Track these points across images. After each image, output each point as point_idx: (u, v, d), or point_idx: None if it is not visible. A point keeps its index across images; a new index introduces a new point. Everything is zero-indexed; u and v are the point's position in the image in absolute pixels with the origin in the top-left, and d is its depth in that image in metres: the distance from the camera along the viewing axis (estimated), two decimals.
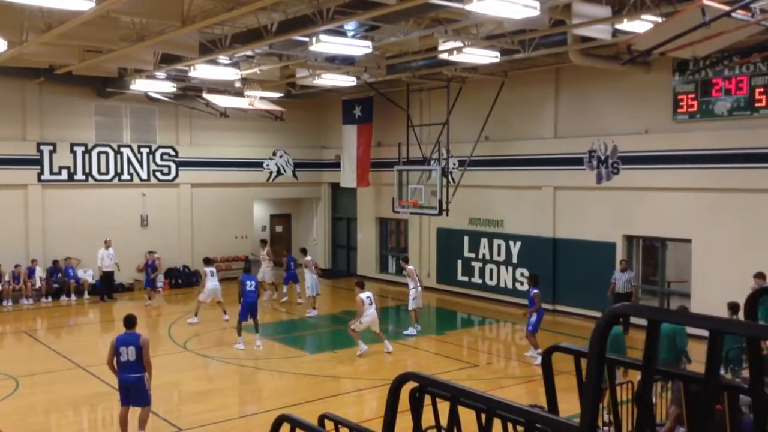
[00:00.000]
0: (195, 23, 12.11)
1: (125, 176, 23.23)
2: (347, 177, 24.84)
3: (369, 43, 13.95)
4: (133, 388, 9.65)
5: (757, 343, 3.15)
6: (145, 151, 23.59)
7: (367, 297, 14.85)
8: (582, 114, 18.75)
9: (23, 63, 16.89)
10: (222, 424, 10.93)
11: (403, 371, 4.79)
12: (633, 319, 14.93)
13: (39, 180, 21.72)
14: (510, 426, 5.00)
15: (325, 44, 13.08)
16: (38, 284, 21.18)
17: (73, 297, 21.51)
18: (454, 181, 20.58)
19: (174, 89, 20.47)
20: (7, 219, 21.15)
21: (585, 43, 14.82)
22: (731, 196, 15.72)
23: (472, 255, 21.65)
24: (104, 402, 11.96)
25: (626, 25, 12.39)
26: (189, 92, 21.89)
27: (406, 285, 17.95)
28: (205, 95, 21.48)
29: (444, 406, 4.64)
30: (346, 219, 27.10)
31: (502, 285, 20.88)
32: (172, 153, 24.15)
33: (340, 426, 6.00)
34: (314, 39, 12.75)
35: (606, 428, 8.57)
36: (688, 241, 16.63)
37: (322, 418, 6.40)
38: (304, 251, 20.54)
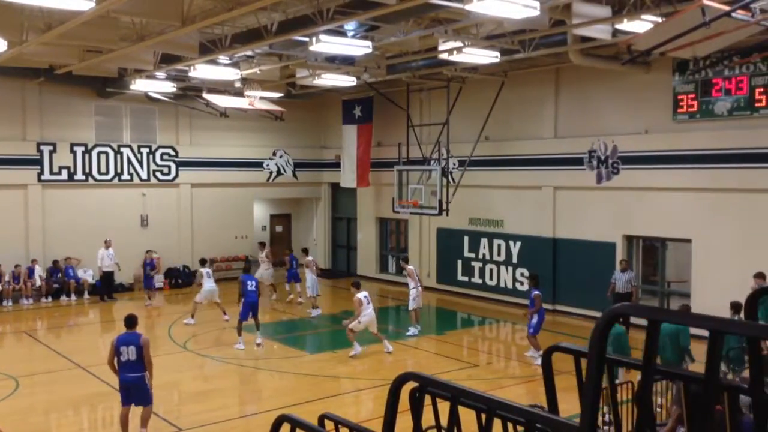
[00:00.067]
0: (195, 23, 12.11)
1: (125, 176, 23.24)
2: (347, 177, 24.84)
3: (369, 43, 13.96)
4: (134, 388, 9.67)
5: (757, 343, 3.15)
6: (145, 151, 23.60)
7: (365, 296, 14.86)
8: (582, 114, 18.75)
9: (23, 63, 16.89)
10: (222, 424, 10.93)
11: (403, 371, 4.79)
12: (633, 319, 14.92)
13: (39, 180, 21.73)
14: (510, 426, 5.00)
15: (325, 44, 13.08)
16: (38, 284, 21.19)
17: (73, 297, 21.51)
18: (454, 181, 20.58)
19: (174, 89, 20.48)
20: (7, 219, 21.15)
21: (585, 43, 14.82)
22: (731, 196, 15.72)
23: (472, 255, 21.65)
24: (104, 402, 11.96)
25: (626, 25, 12.39)
26: (189, 92, 21.89)
27: (406, 285, 17.95)
28: (205, 95, 21.48)
29: (444, 406, 4.64)
30: (346, 219, 27.11)
31: (502, 285, 20.88)
32: (172, 153, 24.15)
33: (340, 426, 6.00)
34: (314, 39, 12.75)
35: (606, 428, 8.57)
36: (688, 241, 16.63)
37: (322, 418, 6.40)
38: (305, 251, 20.55)
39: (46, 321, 19.49)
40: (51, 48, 14.71)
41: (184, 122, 24.35)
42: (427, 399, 4.68)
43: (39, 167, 21.72)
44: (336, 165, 25.74)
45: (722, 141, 15.74)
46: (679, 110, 16.52)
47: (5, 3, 11.58)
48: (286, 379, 13.67)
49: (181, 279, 23.84)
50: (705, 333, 2.88)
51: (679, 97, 16.51)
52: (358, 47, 14.02)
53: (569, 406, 4.93)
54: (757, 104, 15.19)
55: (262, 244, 22.13)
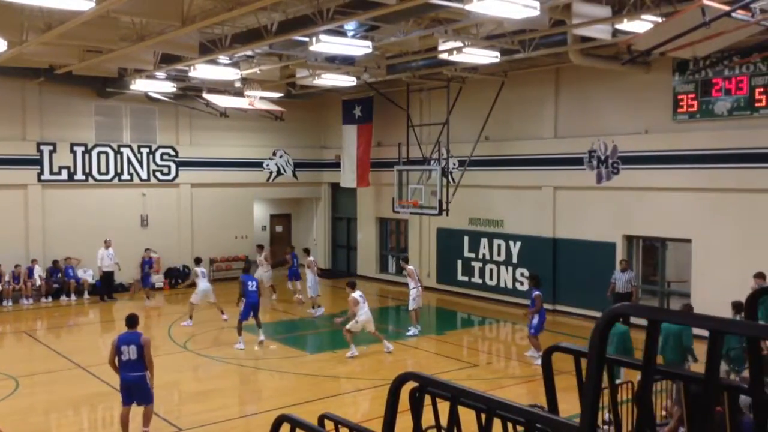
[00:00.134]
0: (195, 23, 12.11)
1: (125, 176, 23.24)
2: (347, 177, 24.84)
3: (369, 43, 13.96)
4: (135, 387, 9.70)
5: (757, 343, 3.15)
6: (145, 151, 23.60)
7: (360, 296, 14.90)
8: (582, 114, 18.75)
9: (23, 63, 16.89)
10: (222, 424, 10.93)
11: (403, 371, 4.79)
12: (633, 319, 14.92)
13: (39, 180, 21.73)
14: (510, 426, 5.00)
15: (325, 44, 13.08)
16: (38, 284, 21.19)
17: (73, 297, 21.51)
18: (454, 181, 20.58)
19: (174, 89, 20.47)
20: (7, 219, 21.15)
21: (585, 43, 14.82)
22: (731, 196, 15.72)
23: (472, 255, 21.65)
24: (104, 402, 11.96)
25: (626, 25, 12.39)
26: (189, 92, 21.89)
27: (406, 285, 17.95)
28: (205, 95, 21.48)
29: (444, 406, 4.64)
30: (346, 219, 27.11)
31: (502, 285, 20.88)
32: (172, 153, 24.15)
33: (340, 426, 6.00)
34: (314, 39, 12.76)
35: (606, 427, 8.57)
36: (688, 241, 16.63)
37: (322, 418, 6.40)
38: (307, 251, 20.54)
39: (46, 321, 19.49)
40: (51, 48, 14.71)
41: (184, 122, 24.35)
42: (427, 399, 4.68)
43: (39, 167, 21.72)
44: (336, 165, 25.74)
45: (722, 141, 15.74)
46: (679, 110, 16.52)
47: (5, 3, 11.58)
48: (286, 379, 13.67)
49: (181, 279, 23.84)
50: (707, 333, 2.88)
51: (679, 97, 16.51)
52: (358, 47, 14.02)
53: (569, 406, 4.93)
54: (757, 104, 15.19)
55: (260, 247, 22.11)
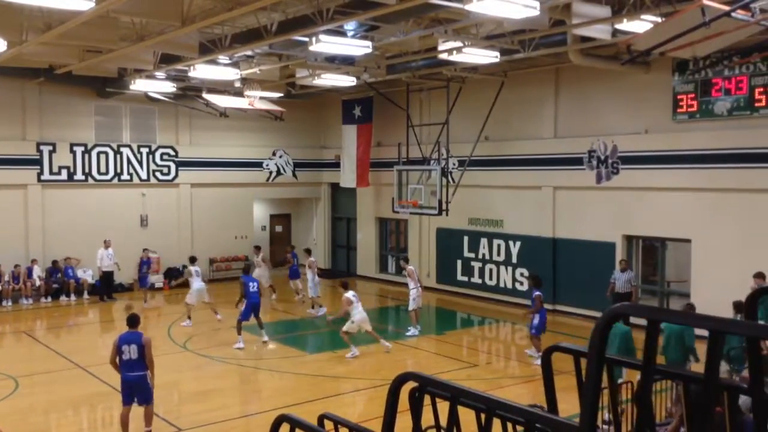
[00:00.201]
0: (195, 23, 12.11)
1: (125, 176, 23.24)
2: (347, 177, 24.84)
3: (369, 43, 13.96)
4: (136, 387, 9.73)
5: (756, 343, 3.15)
6: (144, 151, 23.60)
7: (353, 295, 14.92)
8: (582, 114, 18.75)
9: (23, 63, 16.89)
10: (222, 424, 10.93)
11: (402, 371, 4.79)
12: (633, 319, 14.92)
13: (39, 180, 21.73)
14: (510, 426, 4.99)
15: (325, 44, 13.08)
16: (37, 284, 21.19)
17: (73, 297, 21.51)
18: (453, 181, 20.59)
19: (174, 89, 20.48)
20: (7, 219, 21.15)
21: (585, 43, 14.82)
22: (731, 196, 15.72)
23: (472, 255, 21.65)
24: (104, 402, 11.96)
25: (626, 25, 12.39)
26: (189, 92, 21.89)
27: (405, 285, 17.95)
28: (205, 95, 21.48)
29: (443, 406, 4.64)
30: (346, 219, 27.11)
31: (501, 285, 20.88)
32: (172, 153, 24.15)
33: (339, 426, 5.99)
34: (314, 39, 12.76)
35: (606, 427, 8.57)
36: (688, 241, 16.63)
37: (321, 418, 6.39)
38: (308, 252, 20.52)
39: (46, 321, 19.49)
40: (51, 48, 14.71)
41: (183, 122, 24.35)
42: (427, 399, 4.68)
43: (39, 167, 21.72)
44: (336, 165, 25.74)
45: (722, 141, 15.75)
46: (679, 110, 16.52)
47: (5, 3, 11.57)
48: (285, 379, 13.67)
49: (176, 278, 23.78)
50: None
51: (678, 97, 16.51)
52: (357, 47, 14.02)
53: (569, 406, 4.93)
54: (756, 104, 15.19)
55: (257, 248, 22.08)
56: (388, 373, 12.97)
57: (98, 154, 22.74)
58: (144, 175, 23.58)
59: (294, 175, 26.84)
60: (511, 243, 20.52)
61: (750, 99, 15.27)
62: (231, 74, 17.43)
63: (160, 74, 18.67)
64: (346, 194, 26.30)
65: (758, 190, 15.19)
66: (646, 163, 17.12)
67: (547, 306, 14.97)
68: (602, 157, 18.06)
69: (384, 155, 23.76)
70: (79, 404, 12.09)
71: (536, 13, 10.61)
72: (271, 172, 26.29)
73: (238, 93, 20.69)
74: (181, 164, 24.24)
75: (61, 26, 12.28)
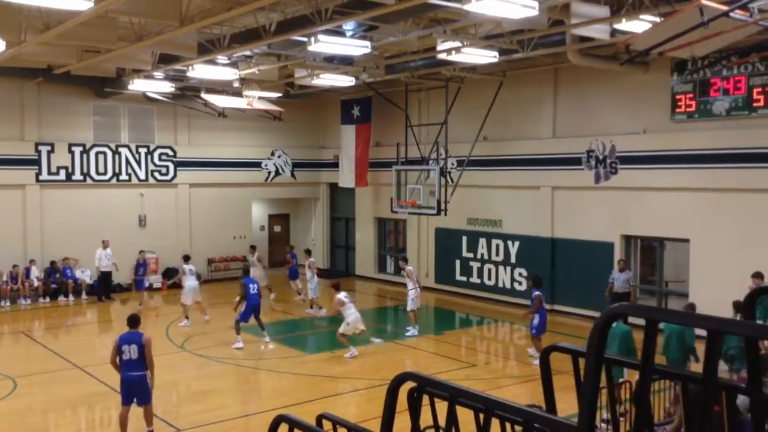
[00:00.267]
0: (193, 23, 12.10)
1: (123, 176, 23.22)
2: (345, 177, 24.84)
3: (367, 43, 13.96)
4: (136, 387, 9.75)
5: (754, 343, 3.15)
6: (143, 151, 23.58)
7: (345, 296, 14.96)
8: (580, 114, 18.76)
9: (21, 63, 16.88)
10: (220, 424, 10.93)
11: (401, 371, 4.79)
12: (633, 319, 14.93)
13: (37, 180, 21.71)
14: (508, 426, 4.99)
15: (324, 44, 13.08)
16: (35, 284, 21.16)
17: (71, 297, 21.49)
18: (452, 181, 20.59)
19: (172, 89, 20.47)
20: (5, 219, 21.13)
21: (583, 43, 14.82)
22: (729, 196, 15.73)
23: (471, 255, 21.65)
24: (102, 402, 11.95)
25: (625, 25, 12.40)
26: (187, 92, 21.87)
27: (404, 285, 17.95)
28: (204, 95, 21.46)
29: (442, 406, 4.64)
30: (345, 219, 27.10)
31: (500, 285, 20.88)
32: (171, 153, 24.14)
33: (338, 426, 5.99)
34: (313, 39, 12.75)
35: (604, 425, 8.57)
36: (686, 240, 16.64)
37: (320, 418, 6.39)
38: (308, 252, 20.50)
39: (44, 321, 19.48)
40: (49, 48, 14.70)
41: (182, 122, 24.34)
42: (426, 399, 4.68)
43: (37, 167, 21.70)
44: (334, 165, 25.74)
45: (720, 141, 15.76)
46: (678, 110, 16.53)
47: (3, 3, 11.56)
48: (284, 379, 13.67)
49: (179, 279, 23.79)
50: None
51: (677, 97, 16.52)
52: (356, 47, 14.01)
53: (567, 406, 4.93)
54: (755, 104, 15.20)
55: (252, 247, 22.05)
56: (386, 373, 12.96)
57: (96, 154, 22.72)
58: (142, 176, 23.57)
59: (293, 175, 26.84)
60: (509, 243, 20.52)
61: (748, 99, 15.28)
62: (229, 74, 17.42)
63: (158, 74, 18.66)
64: (345, 194, 26.29)
65: (756, 189, 15.20)
66: (644, 163, 17.13)
67: (546, 306, 14.98)
68: (601, 157, 18.06)
69: (383, 155, 23.76)
70: (78, 404, 12.08)
71: (535, 13, 10.61)
72: (269, 172, 26.29)
73: (237, 93, 20.69)
74: (180, 164, 24.23)
75: (59, 26, 12.27)
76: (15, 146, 21.33)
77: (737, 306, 11.35)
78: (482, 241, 21.29)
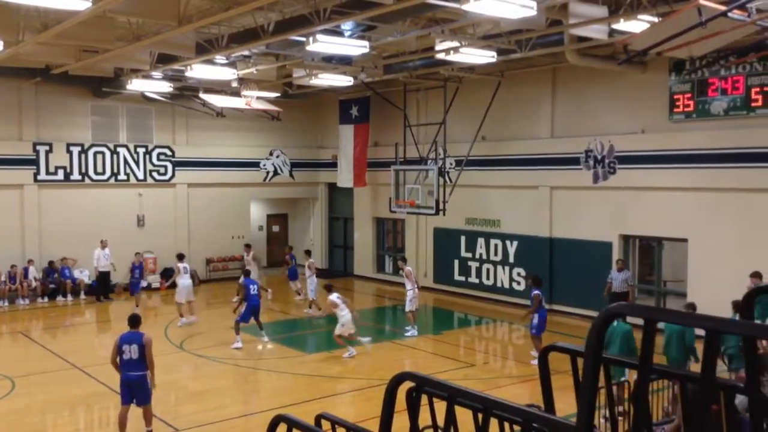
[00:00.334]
0: (191, 23, 12.09)
1: (122, 176, 23.20)
2: (344, 177, 24.84)
3: (366, 43, 13.96)
4: (136, 386, 9.76)
5: (753, 342, 3.15)
6: (141, 151, 23.57)
7: (337, 297, 14.99)
8: (578, 114, 18.77)
9: (19, 63, 16.87)
10: (219, 424, 10.93)
11: (399, 371, 4.79)
12: (632, 319, 14.94)
13: (35, 180, 21.69)
14: (507, 426, 4.99)
15: (322, 44, 13.08)
16: (33, 284, 21.13)
17: (70, 297, 21.47)
18: (450, 181, 20.59)
19: (170, 89, 20.45)
20: (3, 219, 21.12)
21: (582, 43, 14.83)
22: (727, 195, 15.75)
23: (469, 255, 21.66)
24: (100, 402, 11.95)
25: (623, 25, 12.41)
26: (185, 92, 21.86)
27: (402, 285, 17.95)
28: (202, 95, 21.45)
29: (441, 406, 4.64)
30: (343, 219, 27.10)
31: (498, 285, 20.89)
32: (169, 153, 24.12)
33: (336, 426, 5.99)
34: (311, 39, 12.75)
35: (603, 421, 8.58)
36: (685, 240, 16.66)
37: (318, 418, 6.39)
38: (308, 253, 20.48)
39: (42, 321, 19.46)
40: (47, 48, 14.69)
41: (180, 122, 24.33)
42: (424, 399, 4.68)
43: (35, 167, 21.68)
44: (333, 165, 25.73)
45: (718, 141, 15.77)
46: (676, 110, 16.55)
47: (1, 3, 11.55)
48: (283, 379, 13.67)
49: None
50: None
51: (675, 96, 16.53)
52: (355, 47, 14.01)
53: (566, 406, 4.94)
54: (753, 104, 15.22)
55: (248, 246, 22.01)
56: (385, 372, 12.97)
57: (95, 154, 22.70)
58: (141, 175, 23.55)
59: (291, 175, 26.83)
60: (508, 243, 20.53)
61: (746, 99, 15.30)
62: (228, 74, 17.41)
63: (156, 74, 18.65)
64: (344, 194, 26.29)
65: (755, 189, 15.22)
66: (642, 163, 17.14)
67: (545, 305, 14.98)
68: (599, 157, 18.08)
69: (381, 155, 23.76)
70: (76, 404, 12.06)
71: (533, 13, 10.61)
72: (268, 172, 26.28)
73: (235, 93, 20.68)
74: (178, 164, 24.21)
75: (57, 26, 12.26)
76: (13, 146, 21.31)
77: (736, 305, 11.35)
78: (481, 240, 21.29)
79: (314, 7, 11.91)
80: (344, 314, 14.77)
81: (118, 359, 9.74)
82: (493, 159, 20.62)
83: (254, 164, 25.91)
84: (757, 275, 13.20)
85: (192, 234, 24.47)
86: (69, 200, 22.22)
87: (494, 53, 15.52)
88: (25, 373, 13.86)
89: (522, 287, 19.77)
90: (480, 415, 4.20)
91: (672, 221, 16.71)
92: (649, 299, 18.22)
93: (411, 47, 16.03)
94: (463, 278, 21.89)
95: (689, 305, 12.66)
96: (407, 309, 17.09)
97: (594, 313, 14.92)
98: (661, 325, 3.59)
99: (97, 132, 22.86)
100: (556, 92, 19.33)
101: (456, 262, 22.03)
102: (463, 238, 21.79)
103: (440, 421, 4.83)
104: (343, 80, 19.32)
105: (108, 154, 22.93)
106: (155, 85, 19.93)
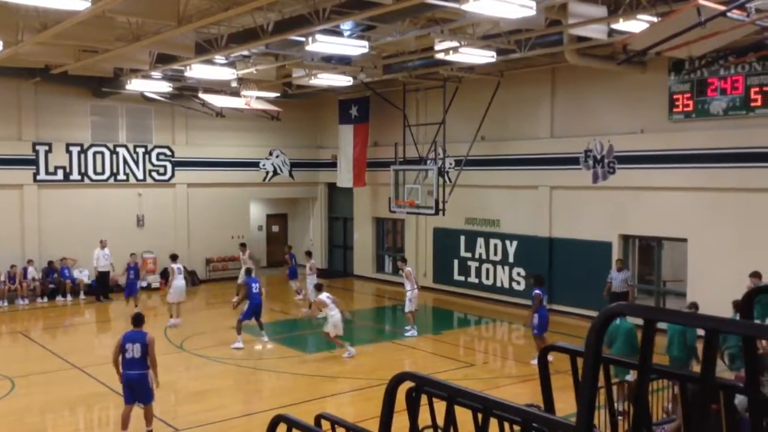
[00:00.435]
0: (191, 23, 12.09)
1: (121, 176, 23.20)
2: (344, 177, 24.84)
3: (365, 43, 13.96)
4: (138, 386, 9.78)
5: (752, 342, 3.15)
6: (141, 151, 23.56)
7: (327, 297, 15.02)
8: (578, 114, 18.77)
9: (19, 63, 16.86)
10: (219, 424, 10.93)
11: (399, 371, 4.79)
12: (631, 319, 14.93)
13: (35, 180, 21.69)
14: (507, 425, 5.00)
15: (322, 44, 13.08)
16: (33, 285, 21.13)
17: (69, 297, 21.46)
18: (450, 181, 20.59)
19: (170, 89, 20.45)
20: (3, 219, 21.11)
21: (581, 43, 14.83)
22: (727, 195, 15.75)
23: (469, 255, 21.66)
24: (100, 402, 11.95)
25: (622, 24, 12.41)
26: (185, 92, 21.85)
27: (402, 285, 17.94)
28: (202, 95, 21.44)
29: (440, 406, 4.64)
30: (343, 219, 27.10)
31: (498, 285, 20.89)
32: (168, 153, 24.12)
33: (336, 426, 5.99)
34: (310, 39, 12.75)
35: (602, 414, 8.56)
36: (684, 240, 16.66)
37: (318, 418, 6.39)
38: (309, 254, 20.46)
39: (42, 321, 19.45)
40: (47, 48, 14.68)
41: (180, 122, 24.32)
42: (424, 398, 4.68)
43: (35, 167, 21.68)
44: (332, 165, 25.73)
45: (718, 141, 15.78)
46: (675, 110, 16.55)
47: (1, 3, 11.54)
48: (283, 379, 13.67)
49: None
50: None
51: (674, 96, 16.54)
52: (354, 47, 14.01)
53: (565, 405, 4.94)
54: (752, 104, 15.22)
55: (243, 246, 21.96)
56: (384, 372, 12.97)
57: (94, 154, 22.70)
58: (140, 175, 23.54)
59: (291, 175, 26.83)
60: (507, 243, 20.53)
61: (746, 99, 15.30)
62: (227, 74, 17.41)
63: (156, 74, 18.64)
64: (343, 194, 26.29)
65: (754, 189, 15.22)
66: (642, 163, 17.15)
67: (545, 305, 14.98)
68: (598, 157, 18.08)
69: (381, 155, 23.76)
70: (76, 405, 12.06)
71: (532, 13, 10.61)
72: (267, 172, 26.27)
73: (235, 93, 20.67)
74: (178, 164, 24.21)
75: (57, 26, 12.25)
76: (12, 146, 21.31)
77: (737, 305, 11.36)
78: (480, 240, 21.29)
79: (313, 7, 11.91)
80: (333, 314, 14.78)
81: (120, 358, 9.75)
82: (492, 159, 20.63)
83: (254, 164, 25.90)
84: (756, 275, 13.20)
85: (191, 234, 24.46)
86: (68, 200, 22.22)
87: (494, 53, 15.52)
88: (24, 373, 13.86)
89: (522, 287, 19.77)
90: (480, 415, 4.20)
91: (672, 221, 16.71)
92: (648, 299, 18.23)
93: (410, 47, 16.04)
94: (462, 278, 21.90)
95: (692, 305, 12.67)
96: (407, 309, 17.09)
97: (594, 313, 14.94)
98: (663, 325, 3.59)
99: (97, 132, 22.85)
100: (556, 92, 19.33)
101: (456, 262, 22.03)
102: (462, 238, 21.80)
103: (440, 421, 4.83)
104: (343, 80, 19.32)
105: (107, 154, 22.92)
106: (155, 85, 19.93)
